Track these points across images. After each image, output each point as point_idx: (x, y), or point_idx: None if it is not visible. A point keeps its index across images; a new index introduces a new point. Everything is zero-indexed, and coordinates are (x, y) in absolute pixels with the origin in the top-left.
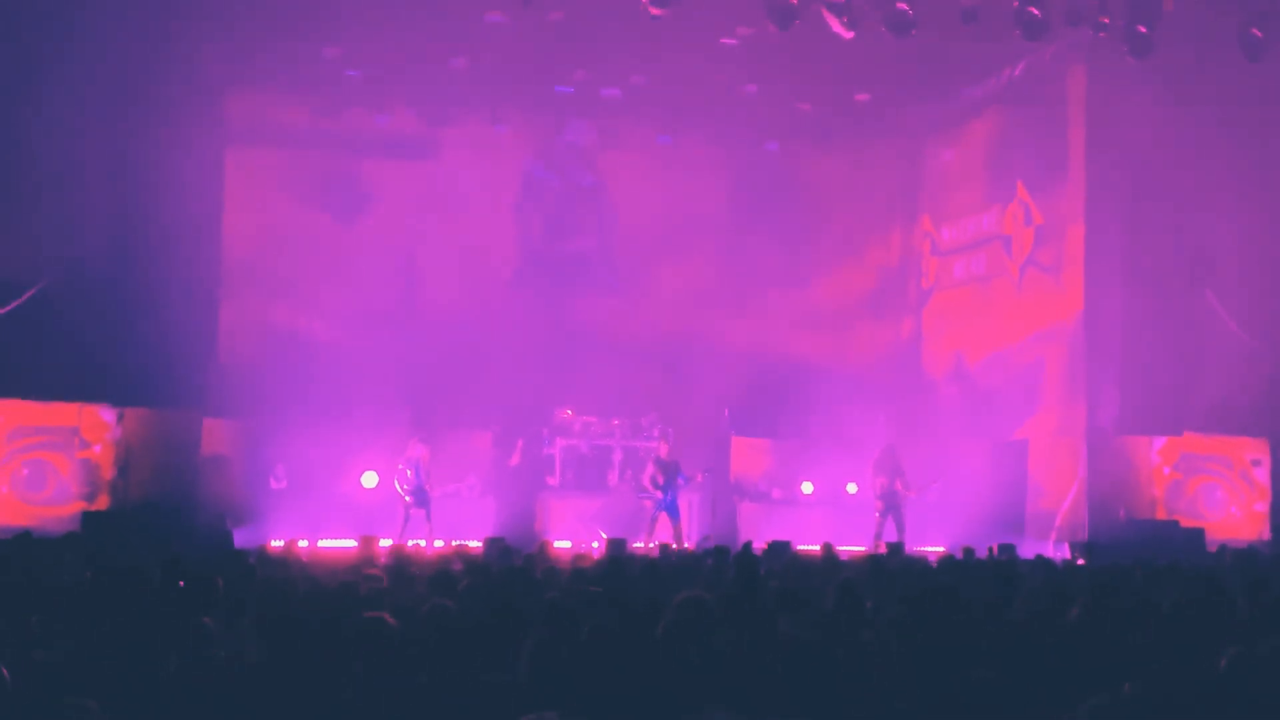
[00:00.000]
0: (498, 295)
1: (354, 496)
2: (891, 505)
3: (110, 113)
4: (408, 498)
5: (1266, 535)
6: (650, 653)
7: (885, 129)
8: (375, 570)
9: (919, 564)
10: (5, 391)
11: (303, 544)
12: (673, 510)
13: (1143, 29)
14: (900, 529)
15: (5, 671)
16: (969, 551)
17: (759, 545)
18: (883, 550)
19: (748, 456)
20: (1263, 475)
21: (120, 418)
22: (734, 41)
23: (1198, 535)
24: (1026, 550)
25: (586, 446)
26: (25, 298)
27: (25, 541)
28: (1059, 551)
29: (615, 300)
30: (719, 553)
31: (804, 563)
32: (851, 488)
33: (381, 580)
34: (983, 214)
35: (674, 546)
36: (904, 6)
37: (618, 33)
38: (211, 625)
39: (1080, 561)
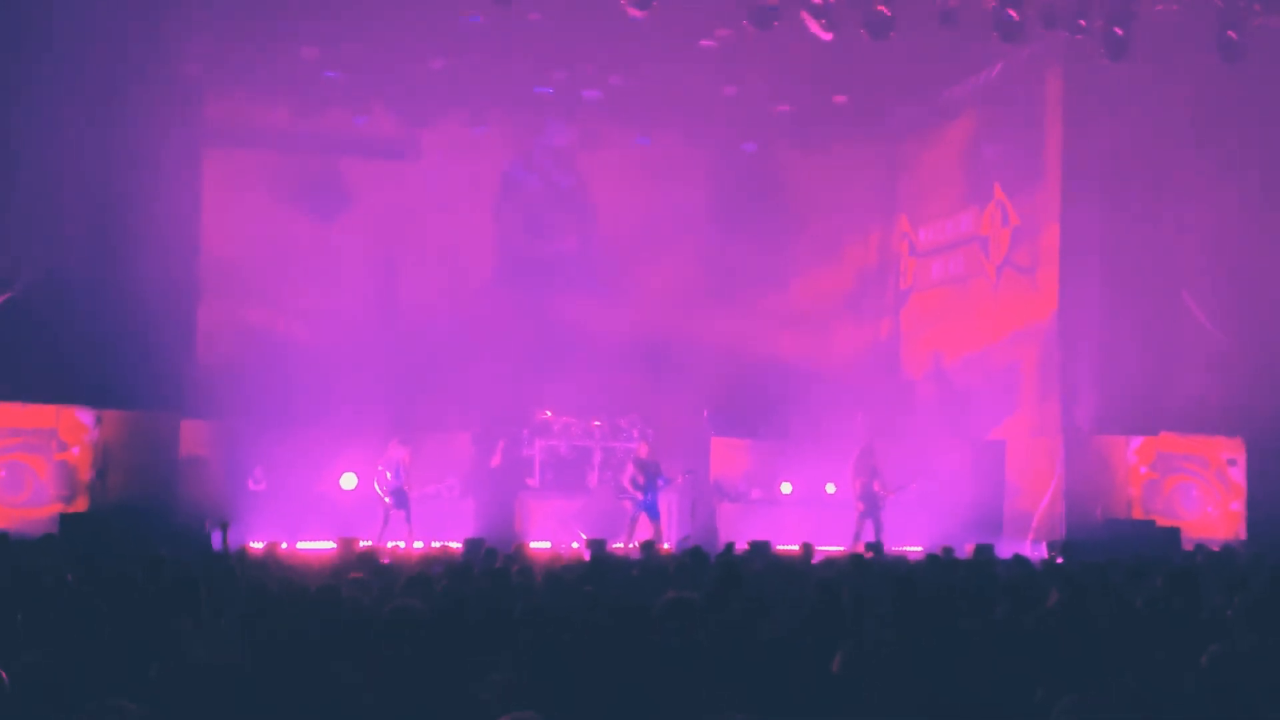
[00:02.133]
0: (477, 296)
1: (333, 498)
2: (870, 506)
3: (88, 113)
4: (387, 499)
5: (1242, 534)
6: (637, 652)
7: (864, 130)
8: (359, 574)
9: (899, 564)
10: None
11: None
12: (653, 511)
13: (1119, 31)
14: (878, 529)
15: (4, 675)
16: (948, 551)
17: (739, 545)
18: (861, 550)
19: (727, 457)
20: (1238, 474)
21: (98, 419)
22: (713, 43)
23: (1174, 534)
24: (1004, 550)
25: (566, 447)
26: (2, 299)
27: (2, 543)
28: (1036, 551)
29: (595, 301)
30: (696, 553)
31: (784, 563)
32: (830, 488)
33: (366, 583)
34: (960, 215)
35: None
36: (883, 8)
37: (597, 34)
38: (193, 627)
39: (1058, 560)
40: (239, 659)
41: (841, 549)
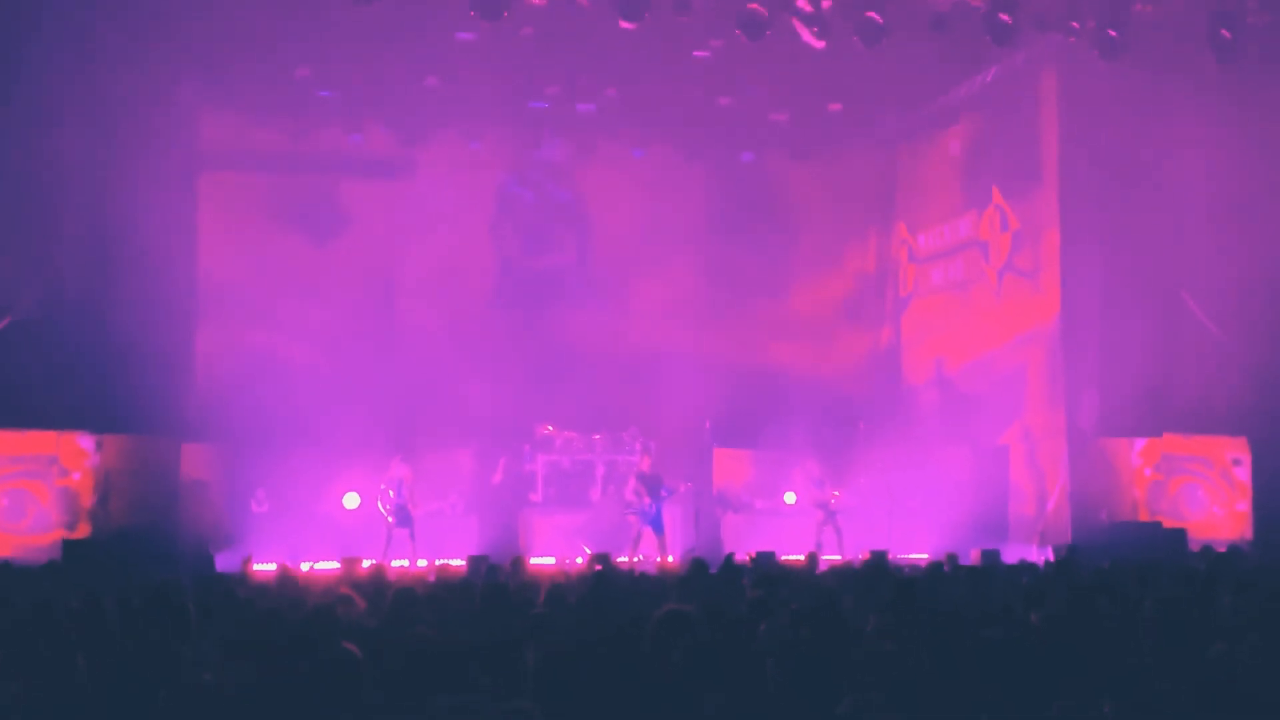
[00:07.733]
0: (476, 312)
1: (336, 518)
2: (828, 514)
3: (85, 137)
4: (390, 518)
5: (1249, 534)
6: (635, 667)
7: (859, 138)
8: (349, 591)
9: (899, 571)
10: None
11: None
12: (657, 524)
13: (1112, 32)
14: (819, 537)
15: None
16: (952, 557)
17: (742, 556)
18: (865, 557)
19: (730, 467)
20: (1243, 474)
21: (99, 445)
22: (706, 54)
23: (1180, 536)
24: (1010, 554)
25: (568, 462)
26: (1, 325)
27: (5, 571)
28: (1042, 555)
29: (593, 314)
30: (697, 565)
31: (788, 572)
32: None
33: (356, 602)
34: (959, 220)
35: (659, 560)
36: (874, 15)
37: (590, 48)
38: (193, 651)
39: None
40: (230, 681)
41: (839, 558)
